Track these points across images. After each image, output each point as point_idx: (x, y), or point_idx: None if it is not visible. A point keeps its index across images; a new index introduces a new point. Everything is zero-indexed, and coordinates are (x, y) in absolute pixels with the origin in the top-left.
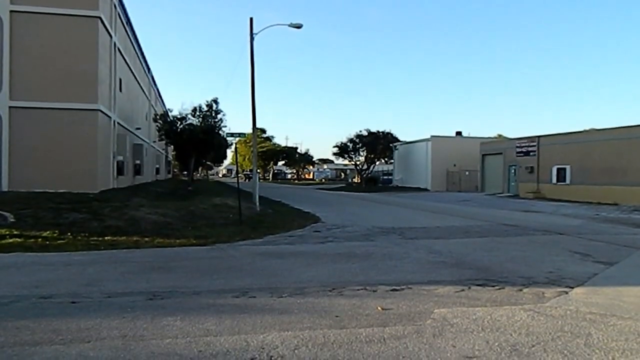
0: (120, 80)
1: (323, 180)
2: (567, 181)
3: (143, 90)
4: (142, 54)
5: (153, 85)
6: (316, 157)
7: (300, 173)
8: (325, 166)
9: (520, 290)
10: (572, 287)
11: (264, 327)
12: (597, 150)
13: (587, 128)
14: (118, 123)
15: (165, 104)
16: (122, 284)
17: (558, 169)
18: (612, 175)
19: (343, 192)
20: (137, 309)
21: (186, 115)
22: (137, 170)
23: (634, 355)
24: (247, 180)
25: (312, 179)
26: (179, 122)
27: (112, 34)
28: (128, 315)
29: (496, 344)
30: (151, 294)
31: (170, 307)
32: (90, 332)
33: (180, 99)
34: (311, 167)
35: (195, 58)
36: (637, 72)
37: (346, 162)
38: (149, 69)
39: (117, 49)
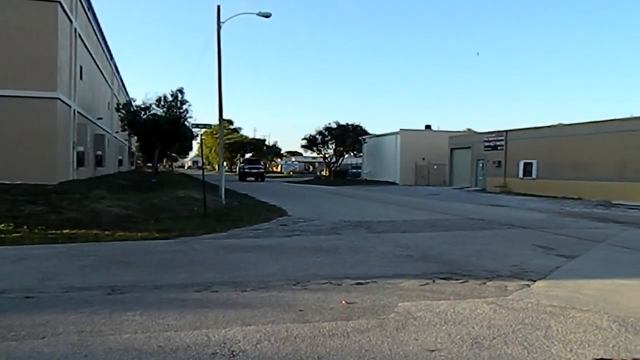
0: (81, 67)
1: (291, 173)
2: (534, 175)
3: (105, 79)
4: (105, 41)
5: (116, 74)
6: (284, 149)
7: (268, 165)
8: (293, 159)
9: (484, 283)
10: (534, 281)
11: (226, 322)
12: (563, 145)
13: (555, 123)
14: (78, 112)
15: (129, 93)
16: (80, 278)
17: (525, 164)
18: (577, 170)
19: (311, 185)
20: (95, 304)
21: (150, 105)
22: (99, 162)
23: (591, 346)
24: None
25: (280, 172)
26: (143, 112)
27: (73, 20)
28: (85, 310)
29: (458, 337)
30: (110, 288)
31: (130, 301)
32: (45, 328)
33: (145, 88)
34: (279, 159)
35: (161, 47)
36: (605, 68)
37: (315, 155)
38: (111, 56)
39: (77, 35)
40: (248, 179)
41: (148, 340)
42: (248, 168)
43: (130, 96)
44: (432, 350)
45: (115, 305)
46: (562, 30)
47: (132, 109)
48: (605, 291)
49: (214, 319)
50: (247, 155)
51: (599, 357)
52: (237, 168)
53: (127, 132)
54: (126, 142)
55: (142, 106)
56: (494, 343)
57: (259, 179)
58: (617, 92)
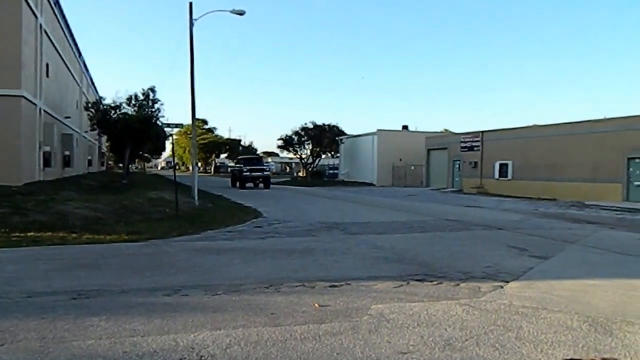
0: (47, 65)
1: None
2: (509, 176)
3: (73, 77)
4: (73, 37)
5: (85, 72)
6: (260, 150)
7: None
8: (269, 159)
9: (458, 285)
10: (508, 282)
11: (196, 326)
12: (538, 147)
13: (530, 124)
14: (45, 111)
15: (99, 92)
16: (45, 283)
17: (500, 165)
18: (551, 171)
19: (287, 186)
20: (59, 309)
21: (120, 104)
22: (67, 162)
23: (561, 347)
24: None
25: None
26: (113, 111)
27: (38, 15)
28: (48, 315)
29: (430, 339)
30: (76, 292)
31: (95, 306)
32: (5, 335)
33: (116, 87)
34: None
35: (132, 45)
36: (578, 71)
37: (291, 155)
38: (80, 53)
39: (43, 30)
40: (248, 185)
41: (113, 346)
42: (248, 170)
43: (100, 95)
44: (404, 353)
45: (80, 311)
46: (537, 33)
47: (101, 108)
48: (577, 292)
49: (183, 324)
50: (223, 156)
51: (568, 357)
52: (231, 170)
53: (96, 132)
54: (96, 142)
55: (112, 105)
56: (466, 345)
57: (264, 185)
58: (592, 94)
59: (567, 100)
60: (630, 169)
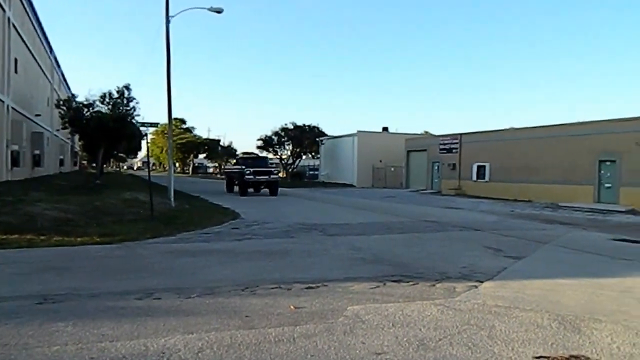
0: (16, 60)
1: None
2: (487, 178)
3: (44, 73)
4: (44, 32)
5: (56, 68)
6: (240, 150)
7: (222, 167)
8: (233, 161)
9: (434, 285)
10: (482, 282)
11: (167, 330)
12: (514, 149)
13: (507, 127)
14: (13, 108)
15: (72, 89)
16: (9, 287)
17: (478, 166)
18: (527, 173)
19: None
20: (24, 315)
21: (94, 102)
22: (37, 162)
23: (532, 345)
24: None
25: None
26: (86, 109)
27: (6, 8)
28: (12, 321)
29: (405, 339)
30: (42, 297)
31: (63, 311)
32: None
33: (90, 85)
34: (234, 160)
35: (107, 41)
36: (554, 74)
37: (271, 156)
38: (51, 49)
39: (11, 25)
40: (250, 190)
41: (80, 352)
42: (252, 173)
43: (73, 92)
44: (379, 354)
45: (46, 316)
46: (517, 34)
47: (74, 106)
48: (548, 291)
49: (154, 328)
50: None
51: (538, 355)
52: (226, 172)
53: (69, 131)
54: (68, 141)
55: (85, 103)
56: (439, 344)
57: (270, 192)
58: (568, 98)
59: (543, 102)
60: (602, 172)
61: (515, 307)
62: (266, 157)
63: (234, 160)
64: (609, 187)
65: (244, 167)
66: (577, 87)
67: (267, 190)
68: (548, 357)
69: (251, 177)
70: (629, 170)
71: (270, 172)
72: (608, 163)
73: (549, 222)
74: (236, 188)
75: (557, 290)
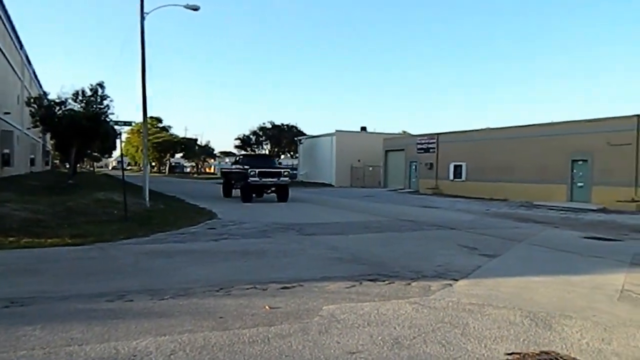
0: None
1: None
2: (463, 178)
3: (14, 69)
4: (13, 28)
5: (27, 65)
6: (218, 149)
7: (200, 166)
8: (227, 159)
9: (409, 284)
10: (457, 280)
11: (139, 333)
12: (490, 148)
13: (484, 127)
14: None
15: (43, 86)
16: None
17: (455, 166)
18: (503, 173)
19: None
20: None
21: (66, 99)
22: (6, 161)
23: (504, 341)
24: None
25: (213, 173)
26: (58, 107)
27: None
28: None
29: (379, 337)
30: (9, 300)
31: (31, 314)
32: None
33: (62, 83)
34: (212, 160)
35: (81, 38)
36: (532, 74)
37: None
38: (21, 45)
39: None
40: (255, 195)
41: (47, 357)
42: (257, 174)
43: (44, 90)
44: (353, 353)
45: (13, 319)
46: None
47: (45, 104)
48: (521, 288)
49: (125, 330)
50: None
51: (510, 351)
52: (224, 174)
53: (40, 129)
54: (40, 140)
55: (57, 100)
56: (413, 342)
57: (278, 197)
58: (546, 98)
59: (517, 102)
60: (574, 171)
61: (489, 304)
62: (273, 157)
63: (234, 159)
64: (581, 186)
65: (247, 167)
66: (552, 87)
67: (272, 195)
68: (520, 354)
69: (257, 179)
70: (600, 170)
71: (280, 174)
72: (580, 162)
73: (523, 221)
74: (235, 192)
75: (530, 288)
